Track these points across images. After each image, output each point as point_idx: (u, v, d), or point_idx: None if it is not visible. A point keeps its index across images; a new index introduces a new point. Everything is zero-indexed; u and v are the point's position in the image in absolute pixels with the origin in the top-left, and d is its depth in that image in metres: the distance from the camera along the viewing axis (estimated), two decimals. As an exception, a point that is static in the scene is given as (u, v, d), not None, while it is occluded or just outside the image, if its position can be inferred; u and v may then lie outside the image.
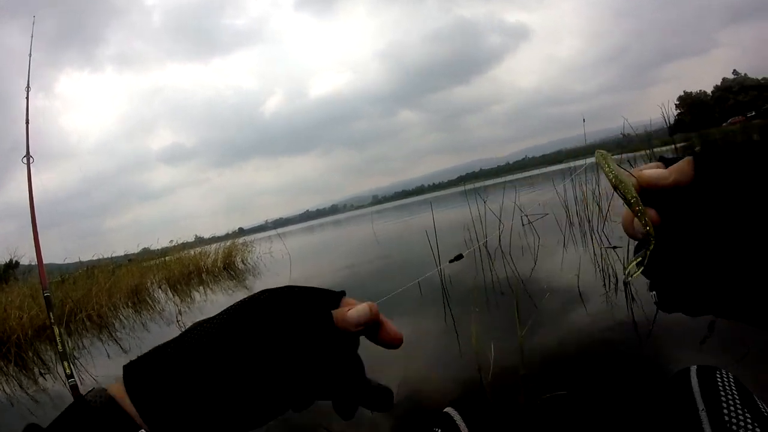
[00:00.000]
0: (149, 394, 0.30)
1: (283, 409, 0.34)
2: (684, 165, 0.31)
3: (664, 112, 4.11)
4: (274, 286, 0.36)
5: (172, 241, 11.64)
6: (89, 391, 0.32)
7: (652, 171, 0.33)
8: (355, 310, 0.33)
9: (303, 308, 0.33)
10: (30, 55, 2.71)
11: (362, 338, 0.37)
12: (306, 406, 0.35)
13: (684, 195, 0.31)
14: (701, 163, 0.31)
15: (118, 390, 0.31)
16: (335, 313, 0.33)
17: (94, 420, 0.30)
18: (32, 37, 2.91)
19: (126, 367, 0.32)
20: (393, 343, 0.35)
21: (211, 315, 0.34)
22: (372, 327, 0.34)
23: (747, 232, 0.28)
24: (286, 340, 0.31)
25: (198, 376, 0.31)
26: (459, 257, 0.58)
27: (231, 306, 0.34)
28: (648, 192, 0.32)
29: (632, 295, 2.26)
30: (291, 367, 0.31)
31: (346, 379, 0.35)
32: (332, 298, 0.35)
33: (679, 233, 0.32)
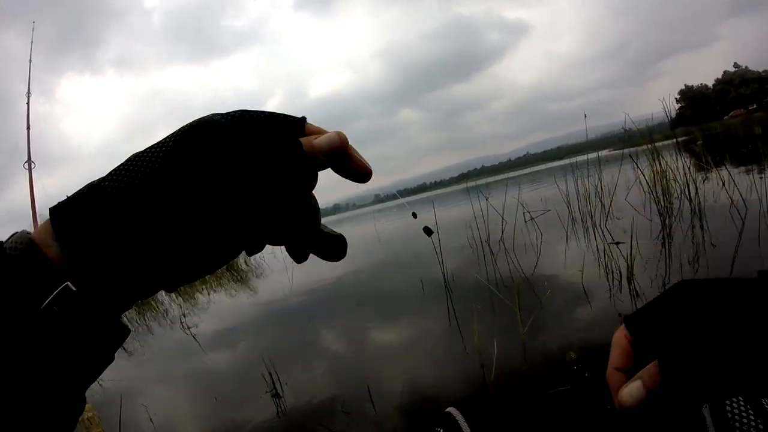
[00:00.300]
0: (80, 237, 0.25)
1: (236, 252, 0.29)
2: (651, 376, 0.33)
3: (666, 107, 4.11)
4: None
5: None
6: (10, 236, 0.27)
7: (628, 396, 0.34)
8: (324, 137, 0.30)
9: (267, 133, 0.28)
10: (30, 61, 2.72)
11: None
12: (258, 249, 0.31)
13: (655, 404, 0.33)
14: (667, 371, 0.32)
15: (43, 234, 0.26)
16: (303, 140, 0.29)
17: (10, 268, 0.25)
18: (32, 42, 2.91)
19: (54, 209, 0.27)
20: (363, 173, 0.31)
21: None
22: (341, 156, 0.30)
23: None
24: (247, 168, 0.27)
25: (141, 213, 0.26)
26: (429, 231, 0.56)
27: (180, 129, 0.29)
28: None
29: (637, 290, 2.26)
30: (251, 199, 0.27)
31: (304, 220, 0.31)
32: (294, 124, 0.30)
33: None
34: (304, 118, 0.31)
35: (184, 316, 4.67)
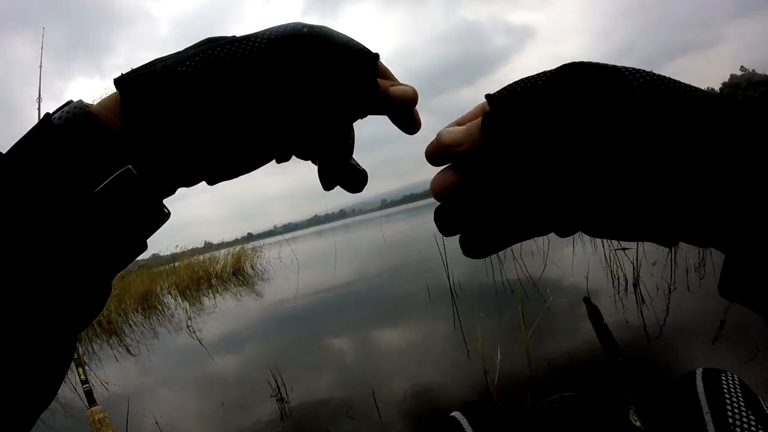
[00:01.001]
0: (153, 117, 0.23)
1: (272, 155, 0.29)
2: (476, 125, 0.27)
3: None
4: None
5: (177, 246, 11.72)
6: (61, 106, 0.24)
7: (447, 133, 0.28)
8: (401, 88, 0.30)
9: (347, 61, 0.28)
10: (41, 66, 2.75)
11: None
12: (286, 159, 0.31)
13: (474, 160, 0.27)
14: (489, 125, 0.26)
15: (107, 108, 0.24)
16: (380, 83, 0.29)
17: (60, 144, 0.22)
18: (42, 48, 2.95)
19: (121, 81, 0.24)
20: (416, 127, 0.32)
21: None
22: (406, 110, 0.31)
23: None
24: (321, 85, 0.27)
25: (212, 105, 0.24)
26: None
27: (270, 32, 0.27)
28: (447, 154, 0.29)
29: (642, 297, 2.25)
30: (313, 111, 0.27)
31: (343, 147, 0.32)
32: (370, 59, 0.29)
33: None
34: (377, 55, 0.30)
35: (190, 320, 4.70)
